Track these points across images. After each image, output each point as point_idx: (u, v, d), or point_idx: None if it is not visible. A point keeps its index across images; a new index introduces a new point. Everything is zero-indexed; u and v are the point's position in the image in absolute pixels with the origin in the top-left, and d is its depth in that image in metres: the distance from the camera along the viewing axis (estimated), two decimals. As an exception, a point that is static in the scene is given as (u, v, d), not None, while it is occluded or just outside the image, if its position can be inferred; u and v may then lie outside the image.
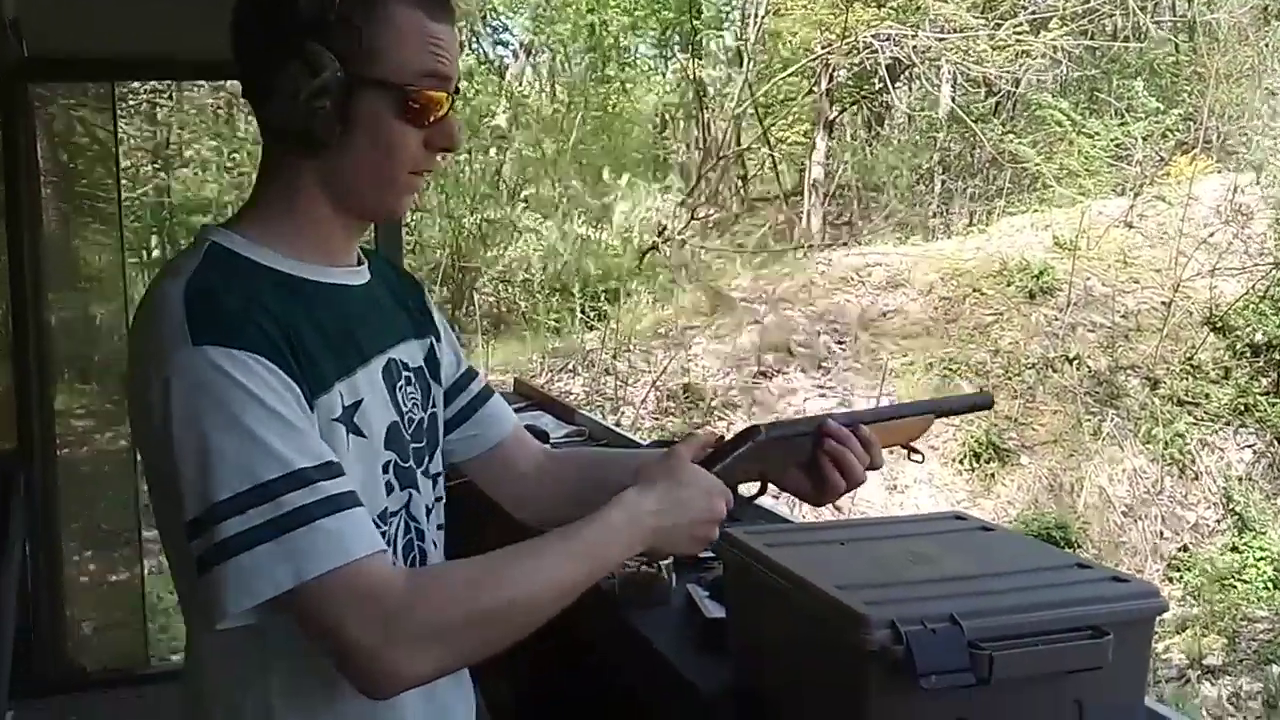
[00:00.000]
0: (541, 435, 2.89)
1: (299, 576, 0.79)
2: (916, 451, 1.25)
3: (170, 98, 8.31)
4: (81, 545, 3.54)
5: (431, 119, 0.92)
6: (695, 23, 14.85)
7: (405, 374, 1.01)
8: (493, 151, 12.66)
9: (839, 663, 1.03)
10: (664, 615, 1.50)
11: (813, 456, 1.12)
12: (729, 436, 1.11)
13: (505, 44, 14.94)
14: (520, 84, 14.42)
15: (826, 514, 8.24)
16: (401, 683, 0.83)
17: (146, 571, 3.59)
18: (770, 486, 1.14)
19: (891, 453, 1.22)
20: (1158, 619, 1.08)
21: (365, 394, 0.94)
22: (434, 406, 1.07)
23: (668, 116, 15.07)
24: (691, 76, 13.98)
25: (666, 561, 1.53)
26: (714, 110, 13.78)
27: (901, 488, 8.23)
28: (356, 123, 0.90)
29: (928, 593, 1.04)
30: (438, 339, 1.11)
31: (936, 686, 0.96)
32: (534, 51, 15.03)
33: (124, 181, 4.46)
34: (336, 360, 0.91)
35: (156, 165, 8.95)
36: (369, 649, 0.80)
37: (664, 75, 15.23)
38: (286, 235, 0.94)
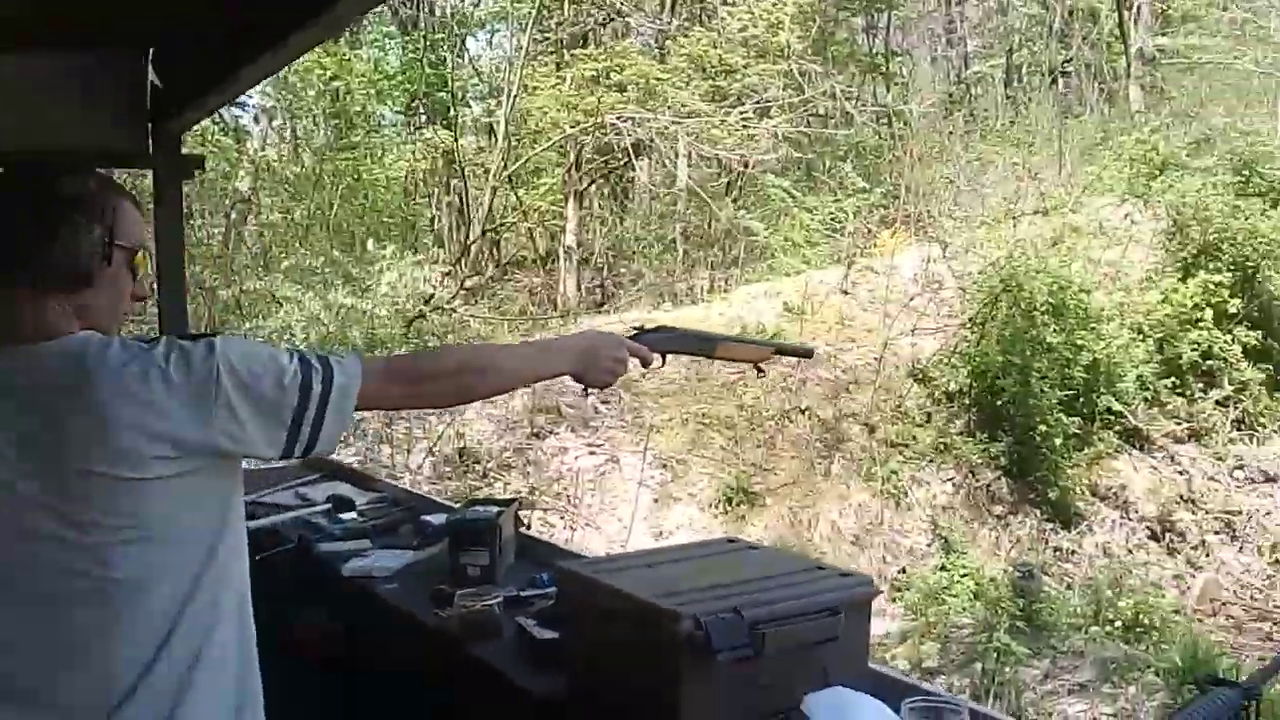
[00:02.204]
0: (346, 503, 2.86)
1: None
2: (761, 370, 1.91)
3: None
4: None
5: (139, 273, 1.35)
6: (443, 94, 15.18)
7: None
8: (234, 215, 12.30)
9: (657, 650, 1.38)
10: (500, 645, 1.80)
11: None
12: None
13: (242, 106, 14.57)
14: (263, 149, 14.11)
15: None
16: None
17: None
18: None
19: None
20: (881, 625, 1.58)
21: None
22: None
23: (419, 183, 15.24)
24: (444, 147, 14.31)
25: (498, 599, 1.86)
26: (468, 179, 14.17)
27: (667, 533, 8.86)
28: (110, 270, 1.30)
29: (717, 594, 1.44)
30: None
31: (728, 659, 1.33)
32: (274, 116, 14.75)
33: None
34: None
35: None
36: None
37: (414, 144, 15.37)
38: None
